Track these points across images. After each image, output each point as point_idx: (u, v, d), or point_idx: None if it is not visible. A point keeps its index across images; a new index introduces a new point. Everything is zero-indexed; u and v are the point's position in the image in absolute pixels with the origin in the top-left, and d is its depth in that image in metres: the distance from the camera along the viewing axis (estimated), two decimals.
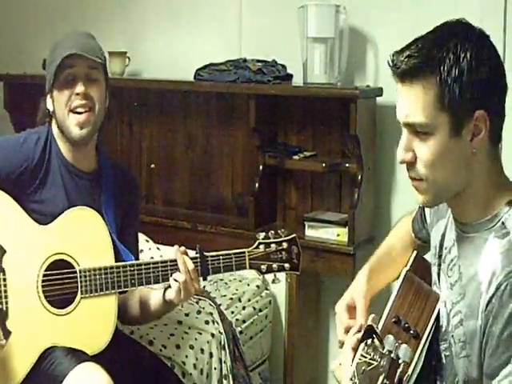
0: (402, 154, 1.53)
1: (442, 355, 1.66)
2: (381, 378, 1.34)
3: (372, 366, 1.40)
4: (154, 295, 2.31)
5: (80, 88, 2.24)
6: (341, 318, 1.82)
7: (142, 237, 3.30)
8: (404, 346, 1.38)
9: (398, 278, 1.84)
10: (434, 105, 1.46)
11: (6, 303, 2.14)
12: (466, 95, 1.45)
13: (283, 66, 3.29)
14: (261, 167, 3.32)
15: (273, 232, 2.29)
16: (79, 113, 2.25)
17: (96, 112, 2.28)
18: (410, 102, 1.49)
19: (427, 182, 1.52)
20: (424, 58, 1.46)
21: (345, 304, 1.83)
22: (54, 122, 2.34)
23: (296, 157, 3.25)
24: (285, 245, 2.28)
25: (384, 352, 1.39)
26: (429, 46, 1.47)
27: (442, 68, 1.45)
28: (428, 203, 1.59)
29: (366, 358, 1.42)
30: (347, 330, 1.73)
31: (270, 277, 2.32)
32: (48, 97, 2.33)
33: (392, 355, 1.37)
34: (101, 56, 2.30)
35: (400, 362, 1.37)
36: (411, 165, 1.53)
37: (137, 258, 2.42)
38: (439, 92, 1.45)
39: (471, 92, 1.45)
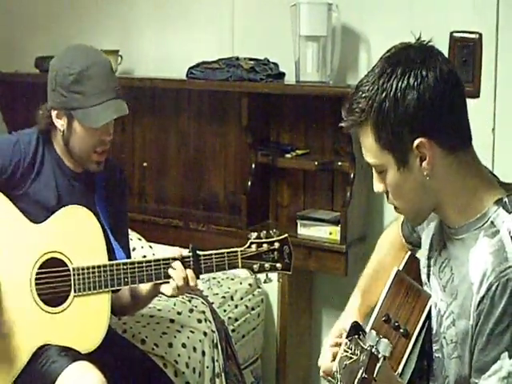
0: (375, 187, 1.63)
1: (433, 356, 1.67)
2: (360, 371, 1.36)
3: (352, 359, 1.42)
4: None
5: (109, 137, 2.28)
6: (327, 342, 1.78)
7: (134, 235, 3.30)
8: (384, 340, 1.40)
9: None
10: (375, 147, 1.54)
11: None
12: (398, 131, 1.49)
13: (276, 65, 3.29)
14: (253, 165, 3.32)
15: (265, 232, 2.29)
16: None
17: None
18: (362, 146, 1.58)
19: (400, 209, 1.63)
20: (358, 110, 1.53)
21: (336, 329, 1.81)
22: (59, 137, 2.30)
23: (288, 155, 3.25)
24: (276, 245, 2.29)
25: (365, 347, 1.41)
26: (362, 95, 1.52)
27: (371, 114, 1.50)
28: (413, 223, 1.76)
29: (347, 352, 1.45)
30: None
31: (261, 276, 2.33)
32: (54, 115, 2.26)
33: (373, 350, 1.38)
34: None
35: (379, 356, 1.38)
36: (386, 194, 1.61)
37: (129, 256, 2.42)
38: (375, 136, 1.52)
39: (402, 125, 1.49)
